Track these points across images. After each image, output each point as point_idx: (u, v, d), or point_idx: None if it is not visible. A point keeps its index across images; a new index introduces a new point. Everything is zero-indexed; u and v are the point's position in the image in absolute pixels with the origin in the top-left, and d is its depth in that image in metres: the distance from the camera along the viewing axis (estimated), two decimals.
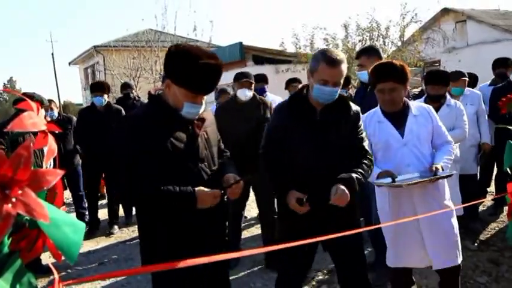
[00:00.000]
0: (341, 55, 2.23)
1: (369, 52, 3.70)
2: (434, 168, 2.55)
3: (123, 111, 5.51)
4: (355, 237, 2.29)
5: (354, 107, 2.39)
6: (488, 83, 5.40)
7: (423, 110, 2.73)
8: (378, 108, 2.79)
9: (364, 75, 3.67)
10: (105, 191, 6.35)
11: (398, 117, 2.70)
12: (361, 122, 2.39)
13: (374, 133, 2.73)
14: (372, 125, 2.76)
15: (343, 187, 2.16)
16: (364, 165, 2.30)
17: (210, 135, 2.07)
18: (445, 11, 19.20)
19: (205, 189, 1.89)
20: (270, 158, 2.38)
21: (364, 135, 2.39)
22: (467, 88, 4.71)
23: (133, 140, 1.86)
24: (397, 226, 2.64)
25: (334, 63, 2.18)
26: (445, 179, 2.68)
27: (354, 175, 2.22)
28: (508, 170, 2.32)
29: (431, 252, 2.63)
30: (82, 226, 1.24)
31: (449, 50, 16.31)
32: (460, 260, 2.70)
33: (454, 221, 2.70)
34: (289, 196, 2.23)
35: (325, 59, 2.19)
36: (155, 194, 1.85)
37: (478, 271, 3.74)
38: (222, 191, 1.98)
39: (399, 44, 11.95)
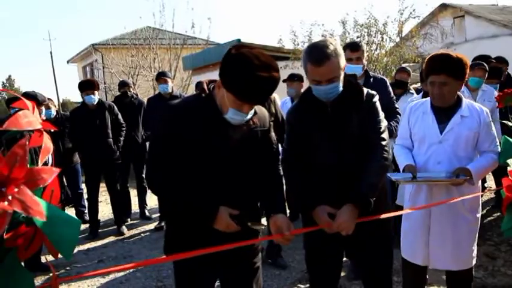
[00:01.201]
0: (329, 48, 2.02)
1: (351, 46, 3.66)
2: (458, 171, 2.45)
3: (115, 108, 5.49)
4: (384, 244, 2.27)
5: (369, 93, 2.19)
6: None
7: (475, 112, 2.58)
8: (428, 99, 2.67)
9: (349, 69, 3.63)
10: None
11: (445, 113, 2.57)
12: (378, 109, 2.17)
13: (415, 123, 2.64)
14: (416, 114, 2.67)
15: (348, 213, 2.00)
16: (378, 166, 2.09)
17: (254, 139, 1.94)
18: (443, 7, 19.15)
19: (231, 211, 1.82)
20: (291, 166, 2.23)
21: (383, 124, 2.16)
22: (484, 84, 4.62)
23: (167, 127, 1.82)
24: (409, 220, 2.61)
25: (319, 62, 2.01)
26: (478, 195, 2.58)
27: (365, 190, 2.02)
28: (506, 163, 2.33)
29: (433, 252, 2.59)
30: (78, 222, 1.25)
31: (448, 46, 16.28)
32: (472, 263, 2.63)
33: (473, 227, 2.60)
34: (318, 212, 2.07)
35: (310, 59, 2.04)
36: (174, 190, 1.82)
37: (474, 265, 3.75)
38: (249, 224, 1.87)
39: (397, 39, 11.91)
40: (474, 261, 2.66)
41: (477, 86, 4.55)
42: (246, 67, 1.68)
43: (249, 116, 1.85)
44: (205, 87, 1.93)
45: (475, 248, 2.65)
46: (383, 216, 2.06)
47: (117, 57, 16.14)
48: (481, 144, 2.58)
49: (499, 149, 2.58)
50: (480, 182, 2.66)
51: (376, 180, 2.07)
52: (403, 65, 7.37)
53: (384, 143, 2.11)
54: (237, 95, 1.73)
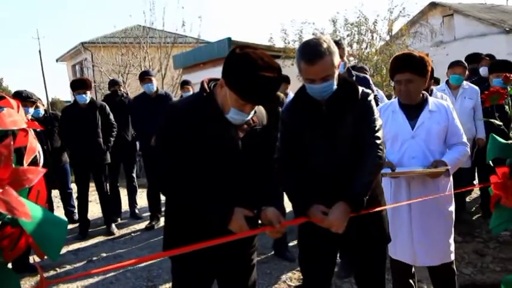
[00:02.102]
0: (323, 46, 2.00)
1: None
2: (435, 163, 2.53)
3: (107, 108, 5.46)
4: (379, 242, 2.28)
5: (364, 91, 2.18)
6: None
7: (441, 106, 2.69)
8: (396, 99, 2.77)
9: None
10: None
11: (413, 110, 2.66)
12: (373, 107, 2.16)
13: (386, 123, 2.70)
14: (386, 114, 2.74)
15: (340, 211, 1.98)
16: (372, 164, 2.07)
17: (255, 138, 1.95)
18: (433, 5, 19.30)
19: (246, 213, 1.83)
20: (285, 164, 2.21)
21: (378, 122, 2.15)
22: (466, 82, 4.68)
23: (169, 127, 1.82)
24: (393, 218, 2.64)
25: (312, 60, 1.99)
26: (451, 183, 2.67)
27: (359, 189, 2.01)
28: (491, 162, 2.35)
29: (417, 248, 2.64)
30: (65, 223, 1.24)
31: (437, 44, 16.41)
32: (452, 257, 2.71)
33: (449, 220, 2.69)
34: (312, 212, 2.05)
35: (303, 58, 2.02)
36: (186, 189, 1.81)
37: (463, 262, 3.80)
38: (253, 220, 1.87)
39: (387, 38, 11.99)
40: (453, 256, 2.72)
41: (457, 84, 4.60)
42: (251, 67, 1.70)
43: (250, 116, 1.87)
44: (206, 86, 1.93)
45: (452, 241, 2.71)
46: (363, 212, 2.04)
47: (107, 56, 16.07)
48: (450, 138, 2.69)
49: (465, 140, 2.70)
50: (452, 178, 2.73)
51: (370, 178, 2.06)
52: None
53: (378, 141, 2.10)
54: (240, 94, 1.74)
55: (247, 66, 1.70)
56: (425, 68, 2.55)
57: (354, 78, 3.76)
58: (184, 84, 6.52)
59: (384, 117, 2.71)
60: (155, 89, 5.57)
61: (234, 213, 1.81)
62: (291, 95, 5.11)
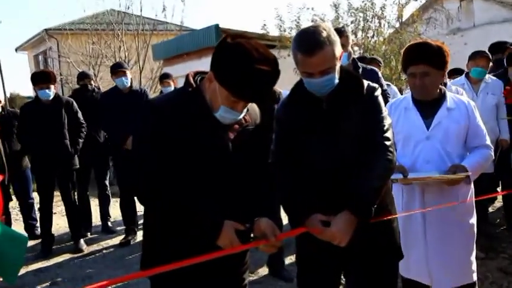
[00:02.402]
0: (322, 35, 1.98)
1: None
2: (454, 168, 2.52)
3: (75, 104, 5.42)
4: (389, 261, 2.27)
5: (370, 86, 2.18)
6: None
7: (461, 103, 2.67)
8: (409, 94, 2.76)
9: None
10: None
11: (429, 107, 2.65)
12: (380, 104, 2.16)
13: (397, 121, 2.69)
14: (398, 111, 2.73)
15: (344, 221, 1.96)
16: (381, 168, 2.06)
17: (247, 139, 1.96)
18: None
19: (236, 226, 1.82)
20: (281, 166, 2.20)
21: (386, 121, 2.14)
22: (488, 75, 4.68)
23: (150, 128, 1.81)
24: (405, 231, 2.63)
25: (311, 51, 1.97)
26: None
27: (367, 197, 1.99)
28: None
29: (433, 269, 2.63)
30: (24, 239, 1.21)
31: (454, 32, 16.51)
32: (474, 277, 2.70)
33: (470, 235, 2.68)
34: (311, 222, 2.04)
35: (300, 48, 2.00)
36: (169, 198, 1.81)
37: (487, 282, 3.80)
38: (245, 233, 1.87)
39: (397, 25, 12.05)
40: (475, 276, 2.71)
41: (480, 77, 4.60)
42: (245, 59, 1.70)
43: (242, 115, 1.86)
44: (192, 80, 1.92)
45: (473, 258, 2.70)
46: (372, 220, 2.03)
47: (75, 45, 15.97)
48: (471, 140, 2.67)
49: (489, 142, 2.69)
50: (472, 185, 2.73)
51: (379, 184, 2.04)
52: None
53: (388, 143, 2.09)
54: (232, 90, 1.73)
55: (241, 58, 1.70)
56: (443, 59, 2.54)
57: (360, 70, 3.77)
58: (165, 78, 6.50)
59: (395, 115, 2.71)
60: (129, 84, 5.55)
61: (224, 227, 1.80)
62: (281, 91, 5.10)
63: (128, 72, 5.59)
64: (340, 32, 3.67)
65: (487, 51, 4.80)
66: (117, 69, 5.54)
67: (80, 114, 5.44)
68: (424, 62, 2.52)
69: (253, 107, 2.04)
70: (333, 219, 1.99)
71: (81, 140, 5.41)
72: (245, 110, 1.87)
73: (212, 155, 1.85)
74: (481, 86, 4.63)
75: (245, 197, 1.96)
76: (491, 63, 4.82)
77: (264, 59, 1.72)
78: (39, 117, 5.18)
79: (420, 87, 2.59)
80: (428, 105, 2.66)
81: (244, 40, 1.76)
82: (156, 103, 1.92)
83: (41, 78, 5.19)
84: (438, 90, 2.67)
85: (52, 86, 5.20)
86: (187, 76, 1.95)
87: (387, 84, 5.08)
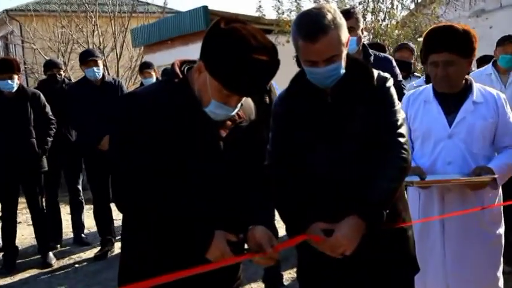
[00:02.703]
0: (327, 18, 1.98)
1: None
2: (478, 170, 2.52)
3: (42, 97, 5.41)
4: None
5: (381, 75, 2.18)
6: None
7: (490, 96, 2.65)
8: (430, 85, 2.74)
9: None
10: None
11: (452, 100, 2.64)
12: (392, 96, 2.17)
13: (416, 116, 2.69)
14: (416, 105, 2.73)
15: (350, 226, 1.97)
16: (394, 168, 2.07)
17: (241, 137, 1.97)
18: None
19: (228, 236, 1.83)
20: (277, 171, 2.21)
21: (400, 115, 2.15)
22: None
23: (132, 124, 1.81)
24: (422, 241, 2.64)
25: (313, 36, 1.96)
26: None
27: (377, 199, 2.00)
28: None
29: (451, 283, 2.64)
30: None
31: (478, 14, 16.51)
32: None
33: (496, 247, 2.67)
34: (311, 231, 2.05)
35: (301, 34, 2.00)
36: (153, 204, 1.81)
37: None
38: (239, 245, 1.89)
39: (412, 6, 12.07)
40: None
41: (508, 67, 4.60)
42: (241, 48, 1.70)
43: (236, 111, 1.87)
44: (178, 70, 1.93)
45: (500, 274, 2.70)
46: (383, 227, 2.03)
47: (42, 29, 15.91)
48: (500, 138, 2.66)
49: None
50: (501, 190, 2.72)
51: (392, 186, 2.05)
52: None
53: (402, 140, 2.10)
54: (225, 83, 1.73)
55: (236, 47, 1.70)
56: (470, 46, 2.54)
57: (372, 58, 3.77)
58: (145, 67, 6.49)
59: (413, 108, 2.71)
60: (101, 75, 5.54)
61: (215, 237, 1.80)
62: (276, 86, 5.12)
63: (100, 62, 5.59)
64: (349, 13, 3.67)
65: None
66: (87, 59, 5.52)
67: (48, 109, 5.43)
68: (448, 49, 2.50)
69: (248, 100, 2.04)
70: (337, 225, 1.99)
71: (49, 139, 5.39)
72: (239, 105, 1.87)
73: (201, 155, 1.85)
74: (510, 78, 4.62)
75: (238, 203, 1.96)
76: None
77: (262, 48, 1.72)
78: (0, 112, 5.16)
79: (443, 78, 2.57)
80: (452, 98, 2.64)
81: (240, 25, 1.75)
82: (137, 96, 1.92)
83: (1, 67, 5.16)
84: (463, 82, 2.66)
85: (15, 77, 5.18)
86: (172, 65, 1.95)
87: (417, 76, 5.07)
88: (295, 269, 2.97)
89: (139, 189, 1.82)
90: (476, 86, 2.68)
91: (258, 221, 1.93)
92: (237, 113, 1.91)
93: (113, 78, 6.11)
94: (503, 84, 4.57)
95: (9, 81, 5.13)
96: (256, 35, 1.74)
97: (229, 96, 1.78)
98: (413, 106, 2.74)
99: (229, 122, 1.92)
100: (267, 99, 3.84)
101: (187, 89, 1.86)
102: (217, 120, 1.87)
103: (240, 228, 1.93)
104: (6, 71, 5.13)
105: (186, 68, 1.95)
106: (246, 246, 1.94)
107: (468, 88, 2.66)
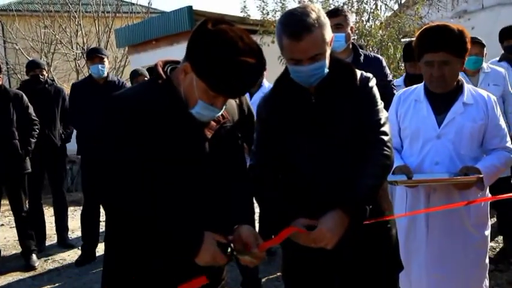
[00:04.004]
0: (311, 17, 2.01)
1: (329, 12, 3.71)
2: (465, 170, 2.52)
3: (24, 98, 5.37)
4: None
5: (364, 75, 2.21)
6: (498, 58, 5.42)
7: (480, 98, 2.65)
8: (422, 85, 2.74)
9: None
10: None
11: (443, 101, 2.64)
12: (375, 96, 2.20)
13: (406, 115, 2.70)
14: (407, 103, 2.73)
15: (334, 220, 1.99)
16: (378, 166, 2.10)
17: (226, 138, 1.98)
18: None
19: (218, 238, 1.82)
20: (262, 172, 2.23)
21: (383, 114, 2.19)
22: (486, 64, 4.66)
23: (120, 128, 1.80)
24: (408, 239, 2.67)
25: (298, 34, 1.99)
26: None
27: (361, 194, 2.03)
28: None
29: (432, 283, 2.65)
30: None
31: (460, 15, 16.65)
32: None
33: (481, 249, 2.68)
34: (295, 226, 2.06)
35: (286, 32, 2.02)
36: (142, 209, 1.79)
37: None
38: (229, 251, 1.87)
39: (395, 7, 12.16)
40: None
41: (475, 68, 4.53)
42: (229, 50, 1.70)
43: (221, 112, 1.88)
44: (161, 71, 1.92)
45: (486, 277, 2.71)
46: (366, 222, 2.05)
47: (24, 29, 15.75)
48: (489, 141, 2.67)
49: (510, 144, 2.68)
50: (488, 191, 2.72)
51: (375, 183, 2.08)
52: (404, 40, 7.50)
53: (385, 138, 2.13)
54: (213, 84, 1.74)
55: (224, 48, 1.71)
56: (464, 46, 2.54)
57: (362, 58, 3.77)
58: (135, 76, 6.20)
59: (403, 107, 2.72)
60: (106, 73, 5.49)
61: (204, 241, 1.79)
62: (266, 84, 5.11)
63: (106, 60, 5.52)
64: (338, 10, 3.69)
65: (480, 38, 4.77)
66: (94, 55, 5.46)
67: (31, 110, 5.39)
68: (445, 49, 2.50)
69: (231, 101, 2.05)
70: (321, 219, 2.01)
71: (33, 140, 5.36)
72: (224, 106, 1.88)
73: (187, 157, 1.85)
74: (480, 77, 4.56)
75: (224, 204, 1.96)
76: (485, 51, 4.80)
77: (249, 50, 1.73)
78: None
79: (438, 78, 2.57)
80: (442, 98, 2.64)
81: (227, 26, 1.76)
82: (121, 98, 1.91)
83: None
84: (455, 82, 2.66)
85: None
86: (155, 66, 1.95)
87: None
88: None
89: (125, 190, 1.80)
90: (467, 87, 2.68)
91: (243, 220, 1.94)
92: (221, 114, 1.92)
93: (117, 78, 6.04)
94: (474, 85, 4.56)
95: None
96: (243, 37, 1.75)
97: (215, 97, 1.79)
98: (404, 105, 2.75)
99: (213, 123, 1.92)
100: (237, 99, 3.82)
101: (172, 89, 1.86)
102: (202, 121, 1.87)
103: (227, 228, 1.93)
104: None
105: (169, 68, 1.95)
106: (232, 247, 1.94)
107: (459, 89, 2.66)
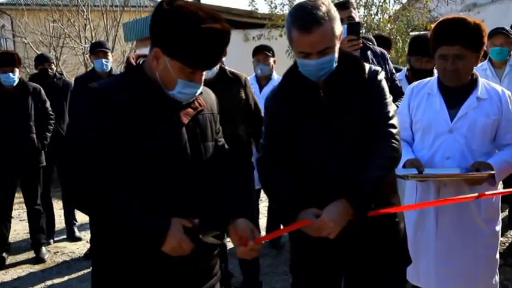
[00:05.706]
0: (321, 10, 2.01)
1: (337, 5, 3.71)
2: (477, 165, 2.51)
3: (43, 92, 5.37)
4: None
5: (372, 69, 2.22)
6: None
7: (494, 93, 2.63)
8: (435, 78, 2.73)
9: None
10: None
11: (456, 95, 2.62)
12: (384, 89, 2.20)
13: (418, 108, 2.69)
14: (419, 96, 2.72)
15: (338, 209, 2.01)
16: (385, 158, 2.11)
17: (204, 126, 1.97)
18: None
19: (185, 223, 1.78)
20: (271, 164, 2.24)
21: (391, 107, 2.19)
22: None
23: (96, 119, 1.79)
24: (417, 234, 2.66)
25: (308, 27, 1.99)
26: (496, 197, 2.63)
27: (366, 186, 2.04)
28: None
29: (442, 276, 2.64)
30: None
31: (469, 8, 16.54)
32: None
33: (492, 244, 2.67)
34: (303, 216, 2.08)
35: (295, 25, 2.03)
36: (109, 201, 1.77)
37: None
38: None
39: (404, 1, 12.08)
40: None
41: (501, 59, 4.52)
42: (191, 21, 1.72)
43: (200, 90, 1.88)
44: (133, 62, 1.95)
45: (496, 272, 2.71)
46: (371, 214, 2.05)
47: (33, 23, 15.78)
48: (502, 136, 2.64)
49: None
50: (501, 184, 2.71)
51: (381, 174, 2.09)
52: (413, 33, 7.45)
53: (394, 130, 2.14)
54: (185, 59, 1.76)
55: (186, 22, 1.72)
56: (480, 40, 2.52)
57: (370, 53, 3.76)
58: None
59: (416, 100, 2.71)
60: (109, 68, 5.49)
61: (171, 226, 1.76)
62: (276, 76, 5.08)
63: (110, 54, 5.52)
64: (345, 4, 3.68)
65: (506, 28, 4.74)
66: (98, 49, 5.44)
67: (48, 104, 5.40)
68: (460, 42, 2.48)
69: (209, 93, 2.07)
70: (325, 208, 2.02)
71: (49, 134, 5.37)
72: (201, 86, 1.88)
73: (163, 144, 1.84)
74: (506, 70, 4.55)
75: (210, 194, 1.95)
76: None
77: (211, 17, 1.75)
78: (0, 106, 5.10)
79: (452, 72, 2.55)
80: (456, 92, 2.62)
81: (182, 1, 1.78)
82: (97, 87, 1.90)
83: (3, 60, 5.09)
84: (470, 76, 2.64)
85: (16, 70, 5.10)
86: (127, 59, 1.98)
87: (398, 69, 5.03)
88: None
89: (99, 185, 1.78)
90: (481, 82, 2.66)
91: (239, 213, 1.93)
92: (197, 101, 1.93)
93: (120, 72, 6.04)
94: (498, 78, 4.52)
95: (10, 74, 5.07)
96: (201, 7, 1.77)
97: (193, 73, 1.81)
98: (417, 98, 2.73)
99: (190, 109, 1.92)
100: (243, 95, 3.80)
101: (144, 76, 1.87)
102: (185, 103, 1.88)
103: (218, 220, 1.92)
104: (6, 64, 5.06)
105: (141, 61, 1.96)
106: (228, 239, 1.93)
107: (473, 83, 2.64)
